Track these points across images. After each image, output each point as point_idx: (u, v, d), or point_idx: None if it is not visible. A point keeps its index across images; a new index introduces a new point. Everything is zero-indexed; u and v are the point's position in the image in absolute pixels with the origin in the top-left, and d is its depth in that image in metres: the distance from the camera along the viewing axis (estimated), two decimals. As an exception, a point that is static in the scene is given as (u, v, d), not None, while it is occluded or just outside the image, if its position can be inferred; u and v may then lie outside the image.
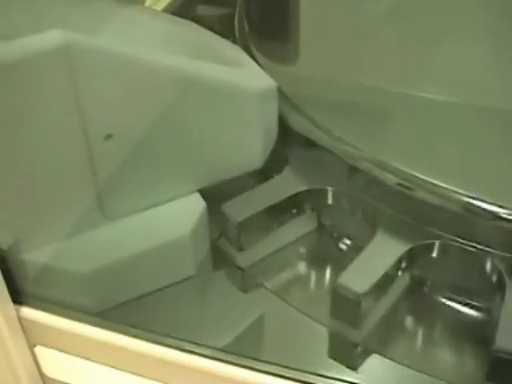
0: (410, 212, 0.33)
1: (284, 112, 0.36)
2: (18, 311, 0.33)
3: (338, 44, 0.42)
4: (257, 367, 0.31)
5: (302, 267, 0.36)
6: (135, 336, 0.32)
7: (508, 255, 0.30)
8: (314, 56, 0.42)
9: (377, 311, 0.32)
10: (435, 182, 0.32)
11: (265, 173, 0.36)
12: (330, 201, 0.35)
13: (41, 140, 0.29)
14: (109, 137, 0.31)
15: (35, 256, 0.32)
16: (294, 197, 0.35)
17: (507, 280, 0.30)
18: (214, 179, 0.35)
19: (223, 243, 0.35)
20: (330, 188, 0.35)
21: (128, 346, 0.32)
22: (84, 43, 0.29)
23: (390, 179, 0.33)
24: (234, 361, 0.31)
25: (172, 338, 0.32)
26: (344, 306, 0.31)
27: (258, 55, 0.39)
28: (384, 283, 0.31)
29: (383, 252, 0.31)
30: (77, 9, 0.35)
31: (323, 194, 0.35)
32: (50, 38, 0.28)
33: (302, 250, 0.36)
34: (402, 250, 0.31)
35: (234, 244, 0.34)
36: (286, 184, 0.35)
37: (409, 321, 0.33)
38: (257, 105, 0.33)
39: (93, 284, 0.32)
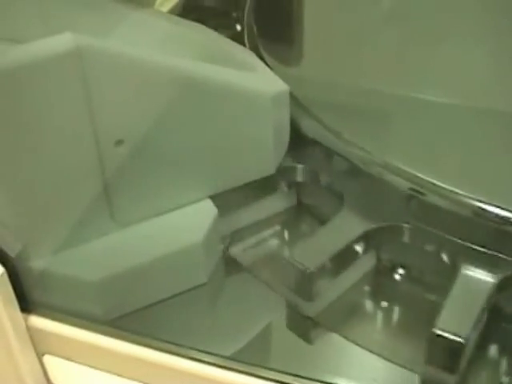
0: (379, 195, 0.33)
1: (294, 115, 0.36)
2: (26, 320, 0.32)
3: (341, 46, 0.42)
4: (267, 375, 0.30)
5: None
6: (145, 345, 0.31)
7: (463, 243, 0.30)
8: (318, 58, 0.42)
9: (334, 288, 0.32)
10: (403, 167, 0.32)
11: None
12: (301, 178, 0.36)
13: (51, 145, 0.29)
14: (120, 142, 0.30)
15: (44, 263, 0.31)
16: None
17: (460, 266, 0.30)
18: (226, 185, 0.34)
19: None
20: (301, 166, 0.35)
21: (137, 354, 0.32)
22: (95, 46, 0.28)
23: (369, 167, 0.33)
24: (243, 369, 0.30)
25: (182, 346, 0.31)
26: (297, 279, 0.31)
27: (266, 57, 0.39)
28: (341, 260, 0.31)
29: (344, 229, 0.32)
30: (86, 12, 0.35)
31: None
32: (61, 41, 0.27)
33: (278, 227, 0.37)
34: (364, 229, 0.32)
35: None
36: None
37: (370, 302, 0.33)
38: (269, 109, 0.33)
39: (102, 292, 0.31)
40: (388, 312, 0.32)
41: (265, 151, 0.34)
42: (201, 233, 0.32)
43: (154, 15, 0.38)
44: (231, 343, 0.32)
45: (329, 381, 0.30)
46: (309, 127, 0.35)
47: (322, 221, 0.35)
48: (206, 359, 0.31)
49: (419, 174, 0.32)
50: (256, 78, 0.34)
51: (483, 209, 0.30)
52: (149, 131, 0.31)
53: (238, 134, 0.33)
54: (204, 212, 0.33)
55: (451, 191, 0.31)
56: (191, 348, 0.31)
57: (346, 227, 0.32)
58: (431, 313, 0.30)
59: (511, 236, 0.30)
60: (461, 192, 0.31)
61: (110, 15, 0.36)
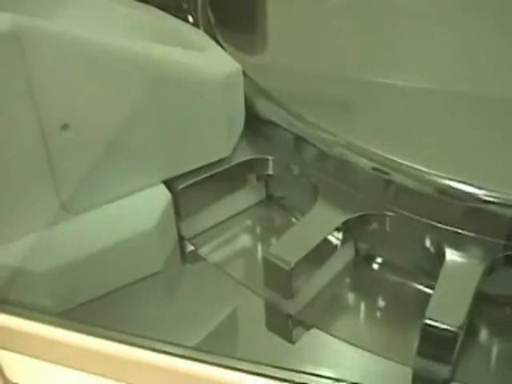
0: (352, 182, 0.32)
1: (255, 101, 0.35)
2: (-25, 314, 0.31)
3: (302, 33, 0.41)
4: (231, 365, 0.29)
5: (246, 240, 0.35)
6: (101, 336, 0.30)
7: (447, 228, 0.30)
8: (278, 45, 0.41)
9: (313, 283, 0.31)
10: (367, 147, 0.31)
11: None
12: (271, 171, 0.35)
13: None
14: (65, 127, 0.29)
15: (-8, 255, 0.30)
16: (239, 166, 0.34)
17: (446, 252, 0.29)
18: (180, 169, 0.33)
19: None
20: (271, 157, 0.34)
21: (94, 347, 0.31)
22: (35, 27, 0.27)
23: (335, 149, 0.32)
24: (205, 359, 0.29)
25: (140, 336, 0.30)
26: (276, 276, 0.30)
27: (221, 42, 0.38)
28: (320, 254, 0.30)
29: (321, 222, 0.31)
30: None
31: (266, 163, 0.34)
32: (-3, 21, 0.26)
33: (248, 221, 0.36)
34: (341, 220, 0.31)
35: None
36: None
37: (351, 295, 0.32)
38: (222, 88, 0.32)
39: (52, 283, 0.30)
40: (371, 304, 0.32)
41: (219, 132, 0.33)
42: (154, 218, 0.31)
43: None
44: (189, 332, 0.31)
45: (309, 371, 0.29)
46: (271, 112, 0.35)
47: (293, 213, 0.35)
48: (166, 349, 0.30)
49: (383, 153, 0.31)
50: (208, 58, 0.33)
51: (452, 187, 0.30)
52: (96, 115, 0.30)
53: (190, 115, 0.32)
54: (157, 197, 0.32)
55: (417, 169, 0.30)
56: (150, 338, 0.30)
57: (323, 219, 0.31)
58: (416, 302, 0.30)
59: (492, 216, 0.29)
60: (427, 170, 0.30)
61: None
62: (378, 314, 0.31)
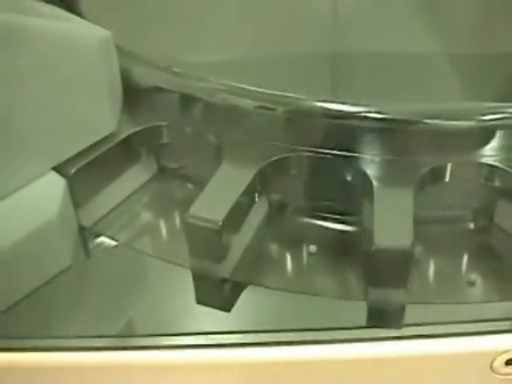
0: (256, 131, 0.31)
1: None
2: None
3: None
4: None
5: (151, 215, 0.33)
6: (11, 350, 0.27)
7: (371, 157, 0.29)
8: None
9: (240, 241, 0.30)
10: (276, 92, 0.30)
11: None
12: (165, 139, 0.33)
13: None
14: None
15: None
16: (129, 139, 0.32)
17: (374, 182, 0.28)
18: (68, 152, 0.30)
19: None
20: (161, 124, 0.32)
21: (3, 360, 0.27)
22: None
23: (227, 99, 0.31)
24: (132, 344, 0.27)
25: (57, 338, 0.28)
26: (203, 239, 0.28)
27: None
28: (240, 210, 0.29)
29: (232, 178, 0.29)
30: None
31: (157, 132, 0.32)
32: None
33: (149, 197, 0.33)
34: (253, 172, 0.29)
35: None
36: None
37: (278, 247, 0.31)
38: (97, 55, 0.30)
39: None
40: (298, 250, 0.30)
41: (101, 105, 0.31)
42: (54, 208, 0.28)
43: None
44: (117, 321, 0.29)
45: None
46: (146, 76, 0.33)
47: (196, 181, 0.33)
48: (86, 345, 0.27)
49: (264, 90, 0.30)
50: (76, 27, 0.30)
51: (346, 111, 0.29)
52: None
53: (68, 90, 0.29)
54: (51, 186, 0.29)
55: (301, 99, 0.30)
56: (66, 337, 0.28)
57: (234, 175, 0.29)
58: (345, 240, 0.30)
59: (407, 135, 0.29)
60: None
61: None
62: (310, 258, 0.30)
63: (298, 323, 0.27)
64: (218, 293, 0.29)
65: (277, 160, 0.30)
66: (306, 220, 0.31)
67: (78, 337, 0.28)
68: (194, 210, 0.28)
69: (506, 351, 0.27)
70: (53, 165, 0.30)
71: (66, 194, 0.29)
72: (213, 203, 0.28)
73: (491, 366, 0.27)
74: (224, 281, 0.29)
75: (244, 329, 0.28)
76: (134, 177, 0.33)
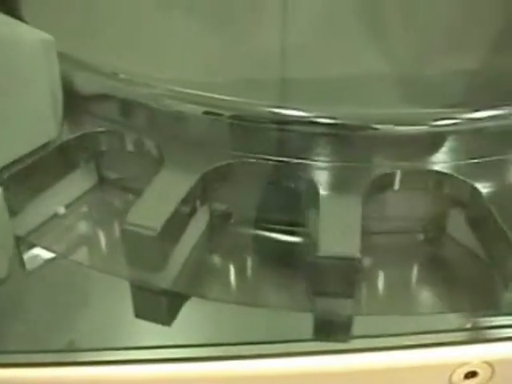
0: (200, 137, 0.30)
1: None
2: None
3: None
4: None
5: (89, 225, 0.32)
6: None
7: (319, 163, 0.29)
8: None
9: (180, 251, 0.28)
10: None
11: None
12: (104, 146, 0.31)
13: None
14: None
15: None
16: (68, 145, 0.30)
17: (320, 190, 0.27)
18: (7, 158, 0.28)
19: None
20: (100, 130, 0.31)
21: None
22: None
23: (172, 104, 0.30)
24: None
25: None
26: (140, 247, 0.26)
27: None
28: (180, 218, 0.28)
29: (172, 184, 0.28)
30: None
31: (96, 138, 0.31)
32: None
33: (87, 208, 0.32)
34: (194, 179, 0.28)
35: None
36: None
37: (220, 258, 0.30)
38: (39, 58, 0.28)
39: None
40: (240, 261, 0.29)
41: (42, 111, 0.29)
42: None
43: None
44: (55, 338, 0.27)
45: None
46: (87, 82, 0.32)
47: (134, 190, 0.31)
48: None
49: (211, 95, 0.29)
50: (17, 31, 0.29)
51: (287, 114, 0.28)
52: None
53: (8, 95, 0.28)
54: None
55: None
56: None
57: (174, 182, 0.28)
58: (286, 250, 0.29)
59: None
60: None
61: None
62: (253, 269, 0.29)
63: (240, 336, 0.26)
64: (157, 306, 0.28)
65: (220, 166, 0.28)
66: (251, 230, 0.30)
67: (14, 352, 0.26)
68: (131, 216, 0.26)
69: (465, 363, 0.25)
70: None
71: (1, 203, 0.28)
72: (151, 210, 0.27)
73: (450, 380, 0.26)
74: (164, 292, 0.27)
75: (187, 343, 0.26)
76: (73, 185, 0.32)
